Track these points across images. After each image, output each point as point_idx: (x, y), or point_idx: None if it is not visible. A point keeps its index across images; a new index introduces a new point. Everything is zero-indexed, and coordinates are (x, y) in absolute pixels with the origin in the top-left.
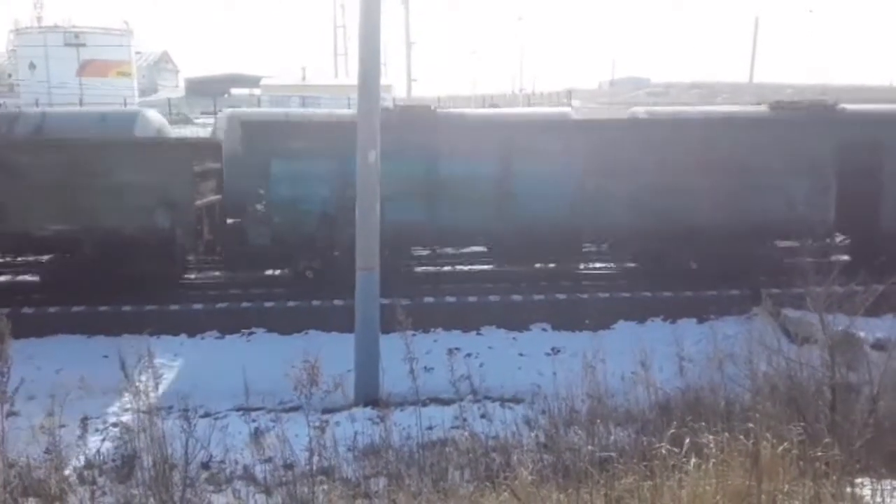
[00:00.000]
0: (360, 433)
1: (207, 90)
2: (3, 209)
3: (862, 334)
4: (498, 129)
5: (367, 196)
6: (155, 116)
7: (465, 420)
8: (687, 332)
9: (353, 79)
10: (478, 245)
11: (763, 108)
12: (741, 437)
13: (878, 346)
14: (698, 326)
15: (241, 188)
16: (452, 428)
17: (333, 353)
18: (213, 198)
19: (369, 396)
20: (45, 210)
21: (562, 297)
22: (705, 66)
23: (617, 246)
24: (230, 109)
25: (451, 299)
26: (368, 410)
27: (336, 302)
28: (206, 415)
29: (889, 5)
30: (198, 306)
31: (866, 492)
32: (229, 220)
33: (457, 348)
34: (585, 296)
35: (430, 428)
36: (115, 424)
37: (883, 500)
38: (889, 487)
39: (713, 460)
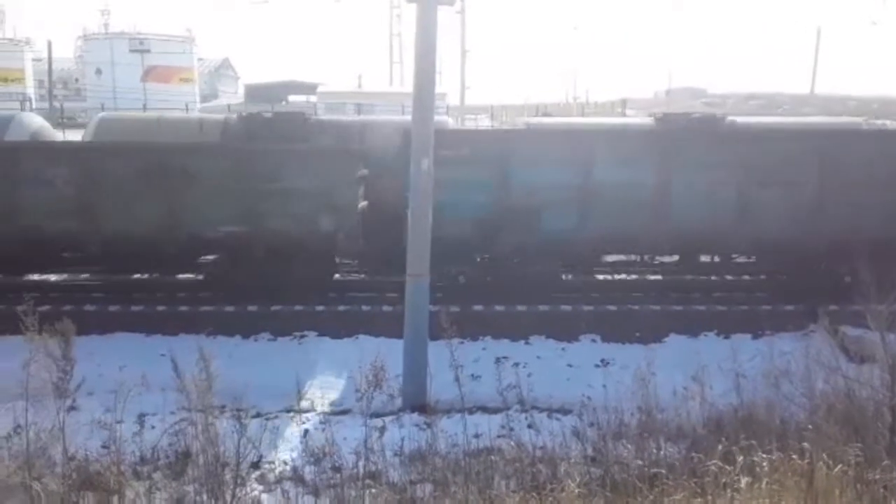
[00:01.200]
0: (407, 438)
1: (266, 96)
2: (180, 211)
3: None
4: (657, 139)
5: (421, 203)
6: (32, 120)
7: (511, 429)
8: (742, 348)
9: (407, 86)
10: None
11: None
12: (795, 457)
13: None
14: (753, 342)
15: (396, 195)
16: (499, 437)
17: (382, 358)
18: (363, 203)
19: (417, 402)
20: (218, 213)
21: (612, 308)
22: (763, 76)
23: (768, 257)
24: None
25: (499, 308)
26: (416, 416)
27: (385, 308)
28: (258, 415)
29: None
30: (252, 308)
31: None
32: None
33: (505, 357)
34: (637, 307)
35: (477, 436)
36: (170, 423)
37: None
38: None
39: (766, 480)
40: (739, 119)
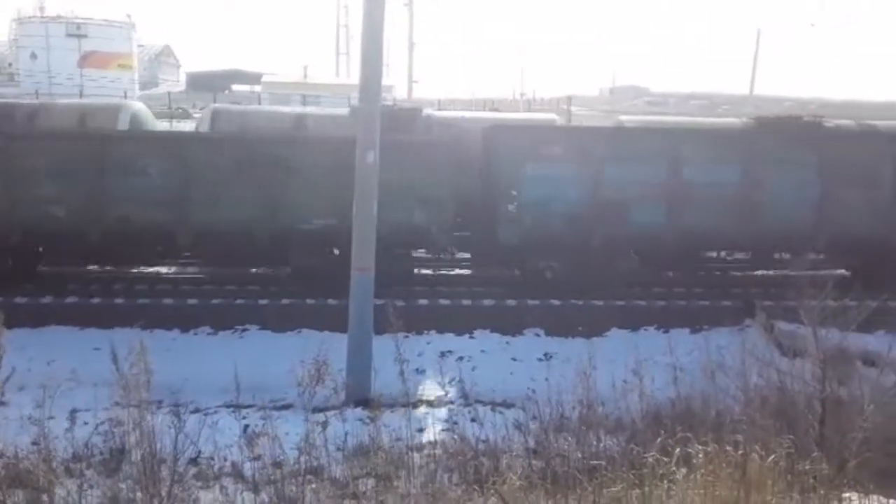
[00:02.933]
0: (350, 433)
1: (208, 85)
2: (274, 203)
3: (854, 349)
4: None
5: (365, 197)
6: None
7: (455, 423)
8: (680, 342)
9: (354, 78)
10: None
11: None
12: (730, 448)
13: (870, 361)
14: (691, 336)
15: (491, 190)
16: (443, 431)
17: (325, 352)
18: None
19: (361, 396)
20: (311, 205)
21: (556, 302)
22: (704, 76)
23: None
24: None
25: (445, 302)
26: (359, 411)
27: (330, 301)
28: (197, 410)
29: (888, 22)
30: (192, 301)
31: None
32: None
33: (449, 351)
34: (580, 302)
35: (421, 430)
36: (104, 418)
37: None
38: (876, 503)
39: (702, 471)
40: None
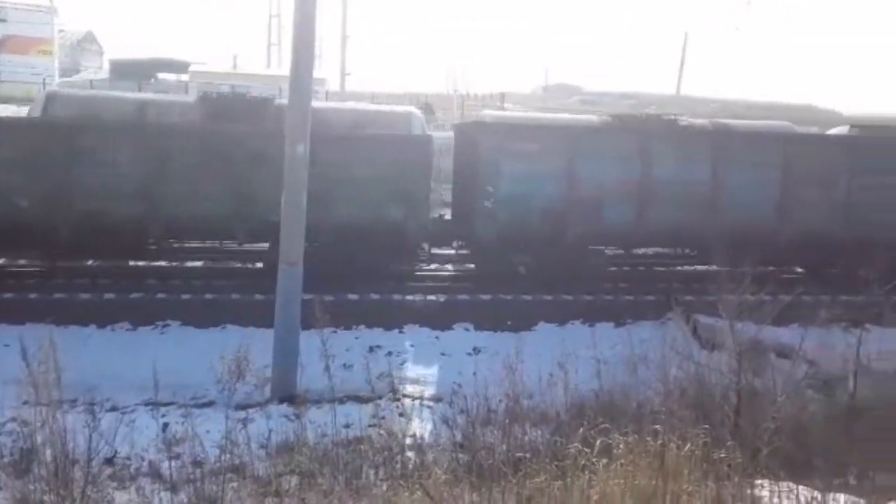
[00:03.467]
0: (275, 430)
1: (133, 73)
2: (249, 196)
3: (768, 342)
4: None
5: (295, 189)
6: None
7: (382, 418)
8: (604, 336)
9: (285, 69)
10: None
11: None
12: (649, 439)
13: (783, 353)
14: (615, 330)
15: (467, 185)
16: (370, 426)
17: (251, 348)
18: None
19: (286, 393)
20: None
21: (485, 297)
22: (634, 77)
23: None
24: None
25: (374, 296)
26: (284, 407)
27: (257, 296)
28: (113, 409)
29: (808, 27)
30: (109, 296)
31: (765, 493)
32: None
33: (378, 346)
34: (509, 297)
35: (347, 426)
36: (13, 418)
37: (780, 502)
38: (786, 489)
39: (622, 461)
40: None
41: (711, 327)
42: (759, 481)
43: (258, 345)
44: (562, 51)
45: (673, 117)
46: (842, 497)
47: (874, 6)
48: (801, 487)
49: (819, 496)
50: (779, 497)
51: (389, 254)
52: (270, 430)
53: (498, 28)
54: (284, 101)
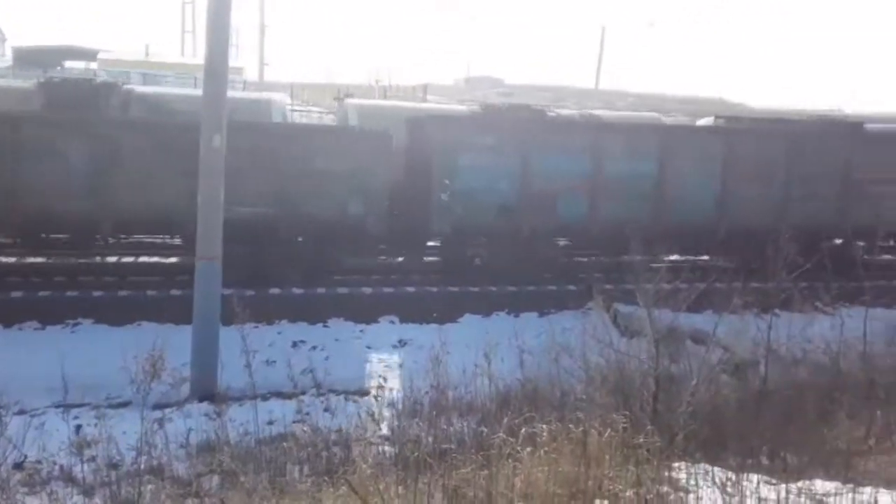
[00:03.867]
0: (195, 429)
1: (38, 61)
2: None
3: (685, 328)
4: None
5: (211, 182)
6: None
7: (307, 414)
8: (529, 325)
9: (200, 58)
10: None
11: None
12: (572, 426)
13: (699, 339)
14: (539, 320)
15: (423, 179)
16: (294, 422)
17: (168, 345)
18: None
19: (206, 391)
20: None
21: (411, 289)
22: (555, 70)
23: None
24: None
25: (298, 291)
26: (204, 406)
27: (173, 292)
28: (22, 412)
29: (720, 23)
30: (17, 294)
31: (682, 475)
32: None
33: (302, 341)
34: (434, 289)
35: (271, 423)
36: None
37: (696, 483)
38: (702, 471)
39: (546, 448)
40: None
41: (631, 315)
42: (676, 464)
43: (176, 342)
44: (484, 43)
45: (541, 108)
46: (755, 477)
47: (779, 4)
48: (716, 469)
49: (733, 476)
50: (695, 479)
51: (349, 248)
52: (190, 430)
53: (420, 19)
54: (134, 86)
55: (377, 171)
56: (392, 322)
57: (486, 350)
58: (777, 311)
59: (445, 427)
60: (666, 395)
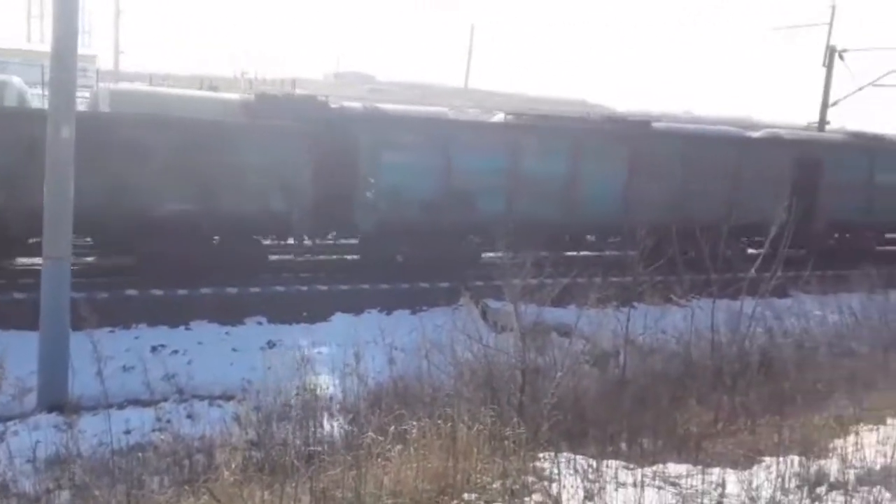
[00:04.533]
0: (43, 442)
1: None
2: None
3: (550, 322)
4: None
5: (60, 177)
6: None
7: (168, 422)
8: (401, 323)
9: (48, 45)
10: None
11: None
12: (441, 421)
13: (563, 332)
14: (411, 317)
15: (349, 177)
16: (154, 431)
17: (9, 353)
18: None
19: (55, 401)
20: (164, 189)
21: (280, 289)
22: (426, 68)
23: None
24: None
25: (157, 292)
26: (53, 417)
27: (17, 295)
28: None
29: (579, 27)
30: None
31: (546, 465)
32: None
33: (162, 345)
34: (304, 288)
35: (128, 432)
36: None
37: (560, 472)
38: (565, 460)
39: (415, 445)
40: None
41: (499, 311)
42: (542, 454)
43: (20, 349)
44: (354, 38)
45: (324, 98)
46: (614, 463)
47: (640, 14)
48: (578, 457)
49: (594, 463)
50: (558, 467)
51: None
52: (37, 442)
53: (289, 12)
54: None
55: (299, 168)
56: (259, 323)
57: (356, 349)
58: (635, 303)
59: (316, 429)
60: (532, 388)
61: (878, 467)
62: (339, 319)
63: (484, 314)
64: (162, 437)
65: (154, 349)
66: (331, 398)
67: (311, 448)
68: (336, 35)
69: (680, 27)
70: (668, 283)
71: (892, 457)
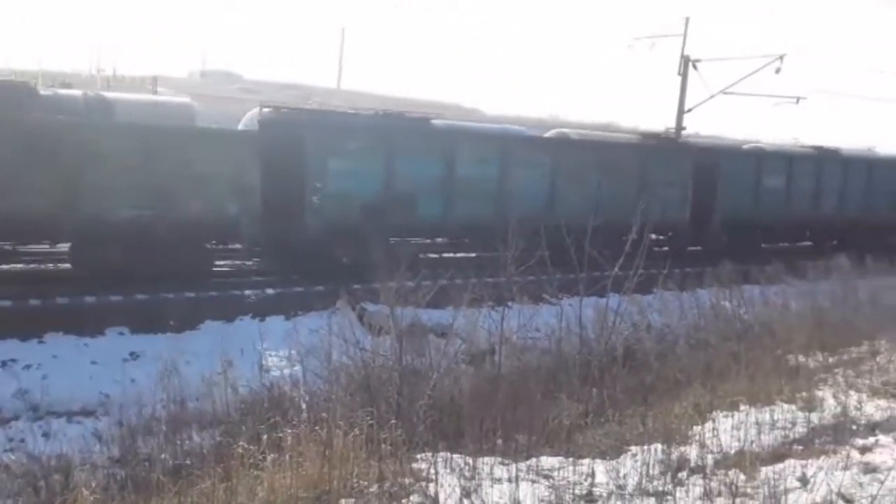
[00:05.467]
0: None
1: None
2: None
3: (427, 323)
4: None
5: None
6: None
7: (21, 441)
8: (275, 329)
9: None
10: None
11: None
12: (318, 428)
13: (441, 333)
14: (285, 323)
15: (296, 182)
16: (5, 452)
17: None
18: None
19: None
20: (119, 194)
21: (143, 297)
22: (298, 68)
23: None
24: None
25: (5, 303)
26: None
27: None
28: None
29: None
30: None
31: (424, 466)
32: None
33: (12, 360)
34: (170, 295)
35: None
36: None
37: (437, 472)
38: (442, 460)
39: (290, 453)
40: None
41: (377, 313)
42: (419, 455)
43: None
44: (220, 35)
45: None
46: (490, 460)
47: (510, 21)
48: (455, 456)
49: (471, 461)
50: (436, 467)
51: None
52: None
53: (150, 5)
54: None
55: (247, 173)
56: (121, 334)
57: (226, 357)
58: (510, 303)
59: (185, 442)
60: (410, 389)
61: (732, 451)
62: (209, 327)
63: (361, 317)
64: (14, 457)
65: (3, 364)
66: (201, 410)
67: (179, 462)
68: (201, 32)
69: (551, 34)
70: (539, 282)
71: (744, 440)
